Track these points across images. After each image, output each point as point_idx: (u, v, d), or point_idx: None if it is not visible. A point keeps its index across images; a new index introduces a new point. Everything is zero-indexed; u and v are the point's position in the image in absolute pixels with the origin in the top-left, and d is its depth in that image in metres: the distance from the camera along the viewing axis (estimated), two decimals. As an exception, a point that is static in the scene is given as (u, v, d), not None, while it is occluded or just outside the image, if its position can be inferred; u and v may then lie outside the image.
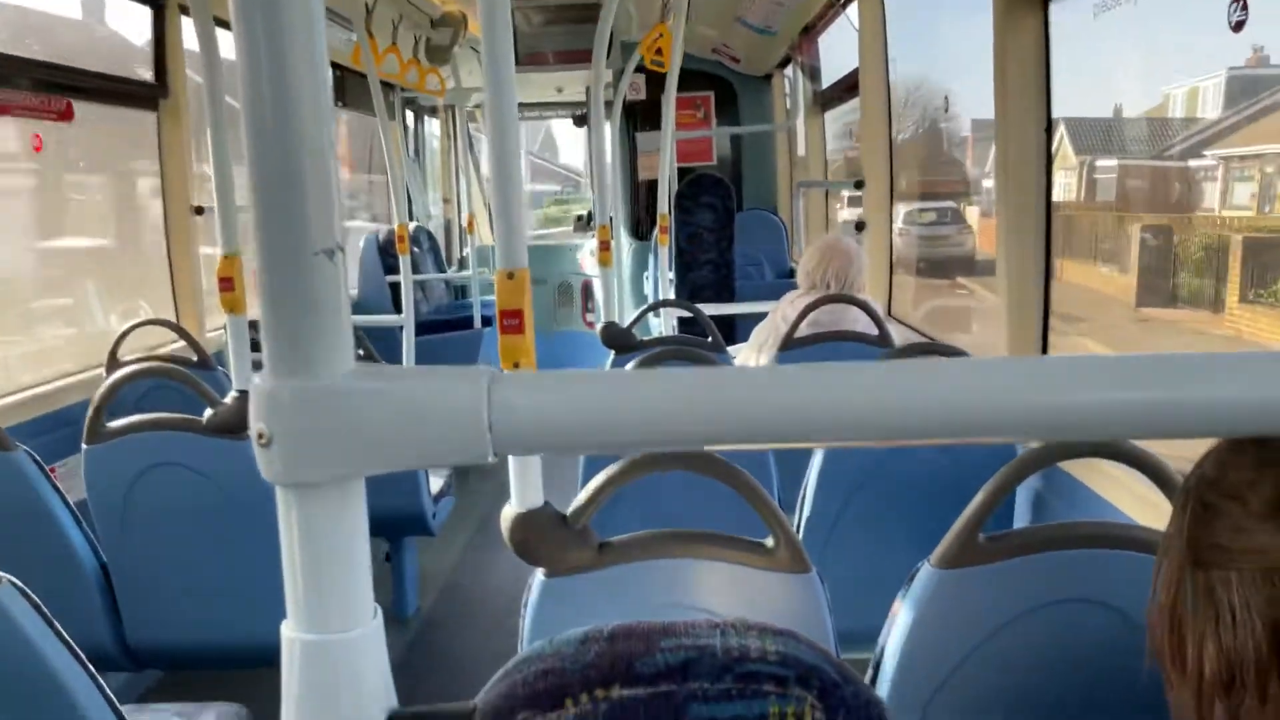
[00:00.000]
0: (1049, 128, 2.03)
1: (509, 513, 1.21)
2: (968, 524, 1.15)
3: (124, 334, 2.95)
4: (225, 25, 2.79)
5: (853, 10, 3.71)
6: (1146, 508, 1.56)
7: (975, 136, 4.02)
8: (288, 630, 0.45)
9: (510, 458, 1.21)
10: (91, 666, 1.24)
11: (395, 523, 3.00)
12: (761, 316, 3.09)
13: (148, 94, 3.36)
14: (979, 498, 1.16)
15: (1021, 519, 2.03)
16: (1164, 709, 1.19)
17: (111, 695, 1.27)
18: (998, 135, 2.14)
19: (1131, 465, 1.19)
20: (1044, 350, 2.23)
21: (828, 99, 5.07)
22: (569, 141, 14.93)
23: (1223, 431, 0.42)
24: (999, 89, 2.10)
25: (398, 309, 4.41)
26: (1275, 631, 0.62)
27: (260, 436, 0.43)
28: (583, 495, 1.19)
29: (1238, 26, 1.30)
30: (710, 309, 3.30)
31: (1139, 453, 1.19)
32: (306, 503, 0.44)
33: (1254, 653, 0.62)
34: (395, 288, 4.73)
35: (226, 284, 2.25)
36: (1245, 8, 1.28)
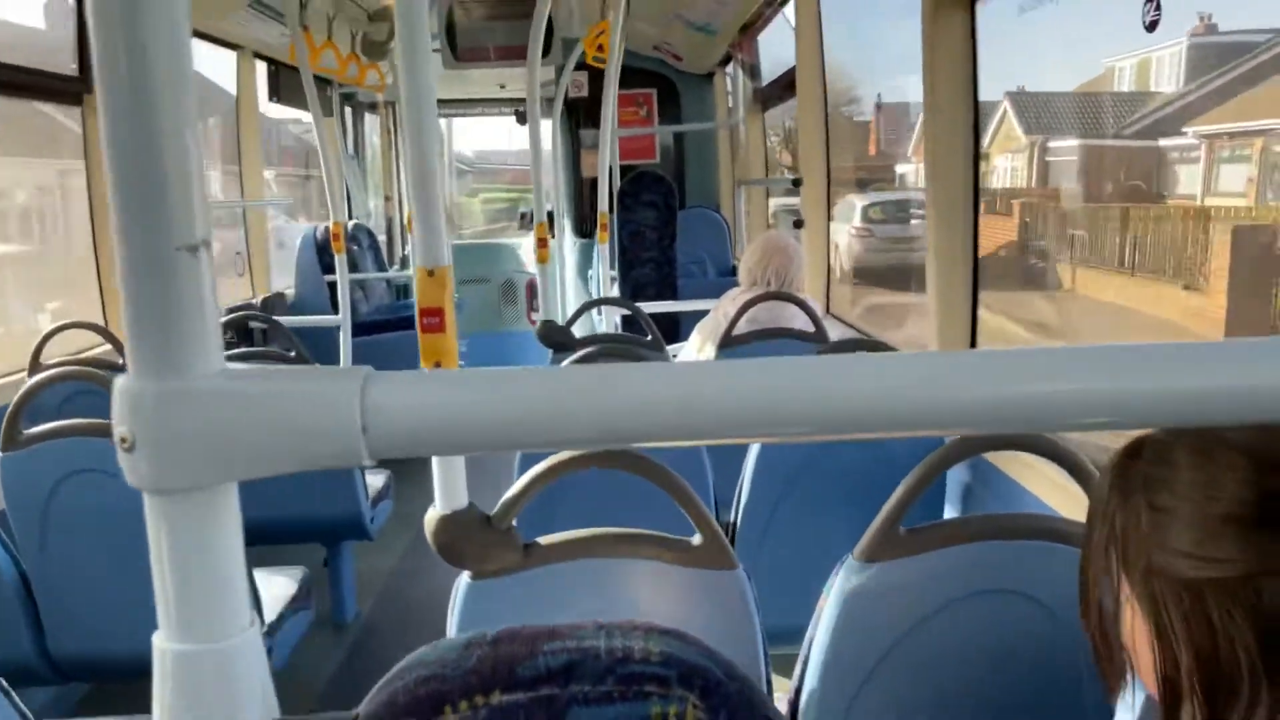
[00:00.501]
0: (976, 125, 2.06)
1: (433, 515, 1.20)
2: (888, 517, 1.16)
3: (47, 337, 2.86)
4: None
5: (790, 9, 3.73)
6: (1068, 498, 1.59)
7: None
8: (158, 641, 0.44)
9: (434, 459, 1.20)
10: (4, 681, 1.20)
11: (332, 528, 2.95)
12: (704, 314, 3.10)
13: (71, 88, 3.26)
14: (899, 491, 1.17)
15: (952, 512, 2.06)
16: (1083, 697, 1.22)
17: (26, 711, 1.22)
18: (926, 133, 2.17)
19: (1048, 458, 1.21)
20: (973, 344, 2.27)
21: (768, 97, 5.10)
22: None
23: (1157, 422, 0.42)
24: (928, 85, 2.13)
25: (335, 309, 4.34)
26: (1263, 640, 0.60)
27: (123, 441, 0.41)
28: (507, 496, 1.18)
29: (1151, 26, 1.34)
30: (652, 307, 3.30)
31: (1054, 446, 1.21)
32: (174, 510, 0.42)
33: (1245, 662, 0.60)
34: (334, 287, 4.66)
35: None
36: (1159, 8, 1.31)
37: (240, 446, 0.41)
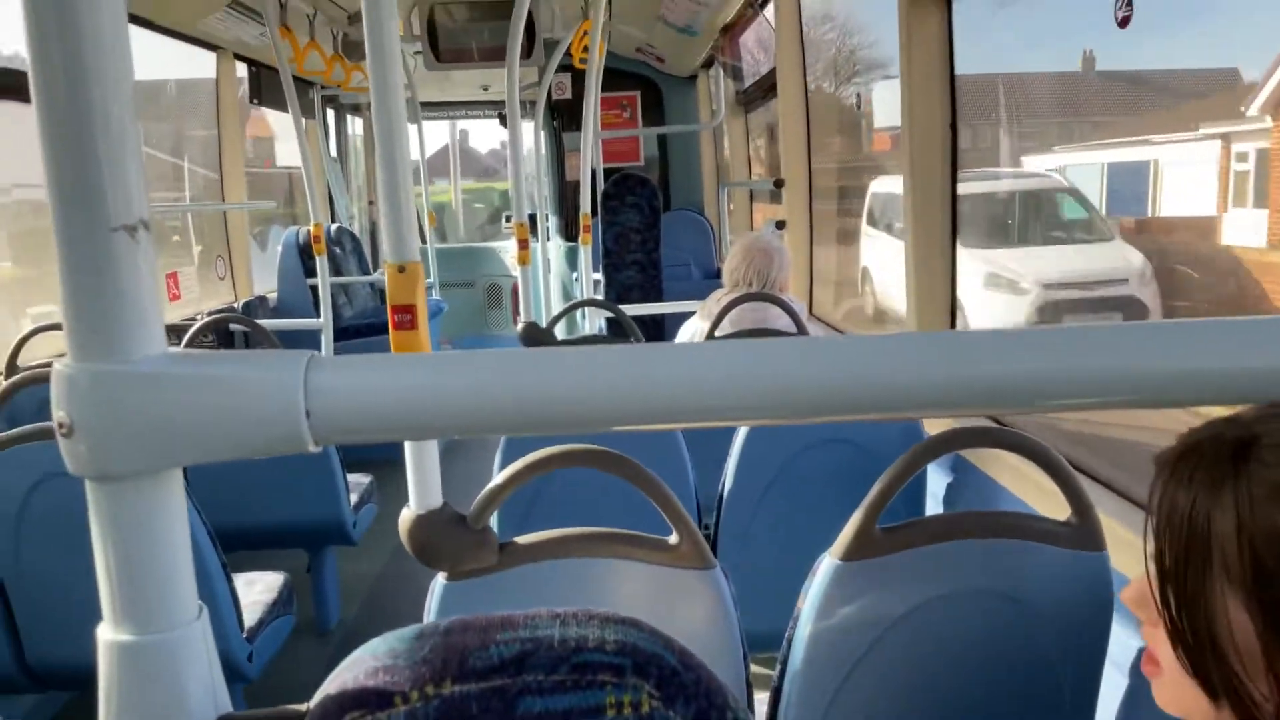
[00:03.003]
0: (954, 121, 2.06)
1: (407, 515, 1.19)
2: (865, 516, 1.15)
3: (23, 340, 2.83)
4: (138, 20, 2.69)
5: (770, 11, 3.74)
6: (1045, 496, 1.59)
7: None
8: (102, 633, 0.43)
9: (407, 458, 1.19)
10: None
11: (315, 533, 2.93)
12: (689, 316, 3.09)
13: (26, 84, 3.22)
14: (875, 489, 1.16)
15: (932, 511, 2.06)
16: (1062, 693, 1.21)
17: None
18: (903, 128, 2.17)
19: (1023, 454, 1.21)
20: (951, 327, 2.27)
21: (750, 99, 5.11)
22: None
23: (1148, 403, 0.41)
24: (905, 74, 2.14)
25: (319, 313, 4.32)
26: None
27: (61, 426, 0.40)
28: (482, 495, 1.17)
29: (1124, 22, 1.34)
30: (636, 309, 3.29)
31: (1028, 442, 1.21)
32: (116, 497, 0.41)
33: None
34: (316, 290, 4.64)
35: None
36: (1130, 4, 1.31)
37: (182, 431, 0.40)
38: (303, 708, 0.44)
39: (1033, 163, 4.61)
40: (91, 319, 0.40)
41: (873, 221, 5.82)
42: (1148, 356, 0.41)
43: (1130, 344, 0.41)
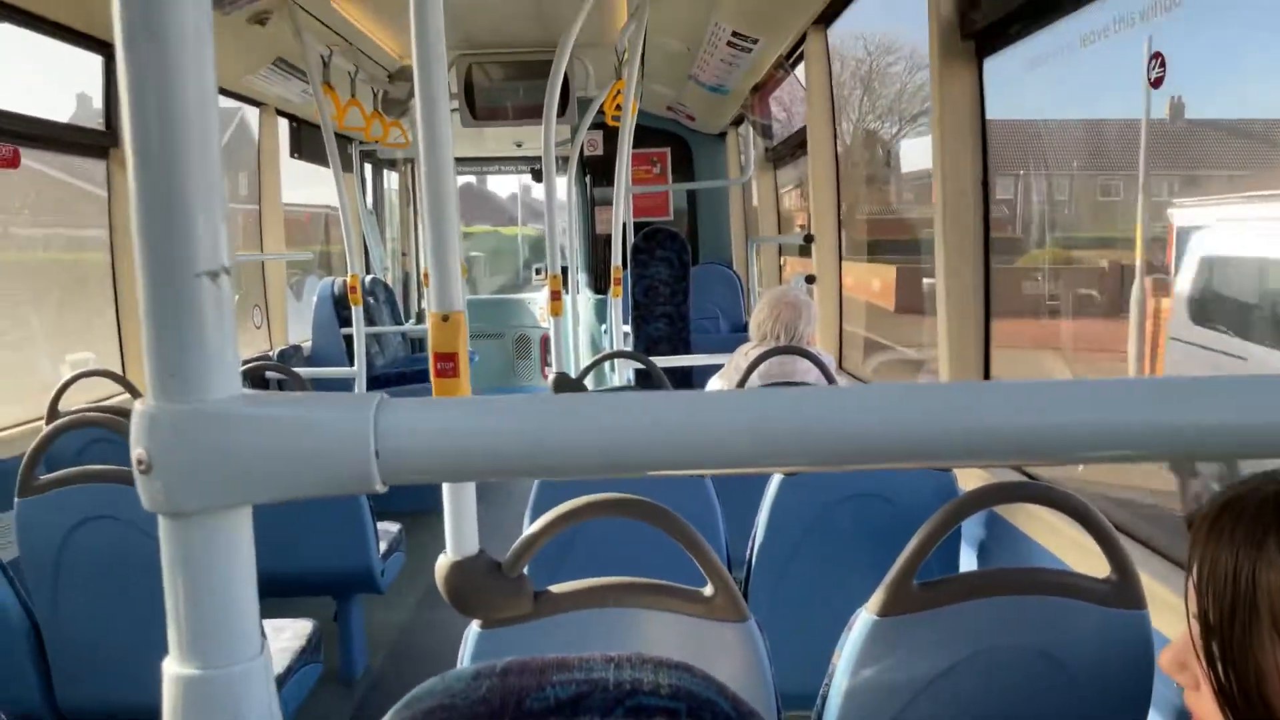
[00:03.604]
0: (985, 163, 2.08)
1: (444, 562, 1.19)
2: (901, 571, 1.15)
3: (65, 385, 2.88)
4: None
5: (801, 71, 3.80)
6: (1081, 553, 1.57)
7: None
8: (168, 666, 0.44)
9: (445, 505, 1.20)
10: None
11: (342, 581, 2.93)
12: (717, 369, 3.10)
13: (98, 142, 3.33)
14: (912, 544, 1.16)
15: (966, 567, 2.04)
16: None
17: None
18: (935, 175, 2.20)
19: (1062, 511, 1.20)
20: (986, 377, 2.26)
21: (779, 156, 5.17)
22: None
23: (1173, 455, 0.42)
24: (936, 126, 2.17)
25: (352, 361, 4.37)
26: None
27: (140, 463, 0.42)
28: (518, 543, 1.17)
29: (1156, 83, 1.35)
30: (665, 361, 3.31)
31: (1068, 499, 1.20)
32: (188, 532, 0.43)
33: None
34: (350, 340, 4.70)
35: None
36: (1163, 64, 1.33)
37: (255, 470, 0.42)
38: None
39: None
40: (173, 360, 0.41)
41: (1202, 315, 3.05)
42: (1188, 410, 0.41)
43: (1172, 398, 0.42)
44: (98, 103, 3.38)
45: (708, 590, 1.19)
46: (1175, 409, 0.41)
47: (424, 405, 0.42)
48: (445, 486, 1.15)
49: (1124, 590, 1.17)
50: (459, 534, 1.18)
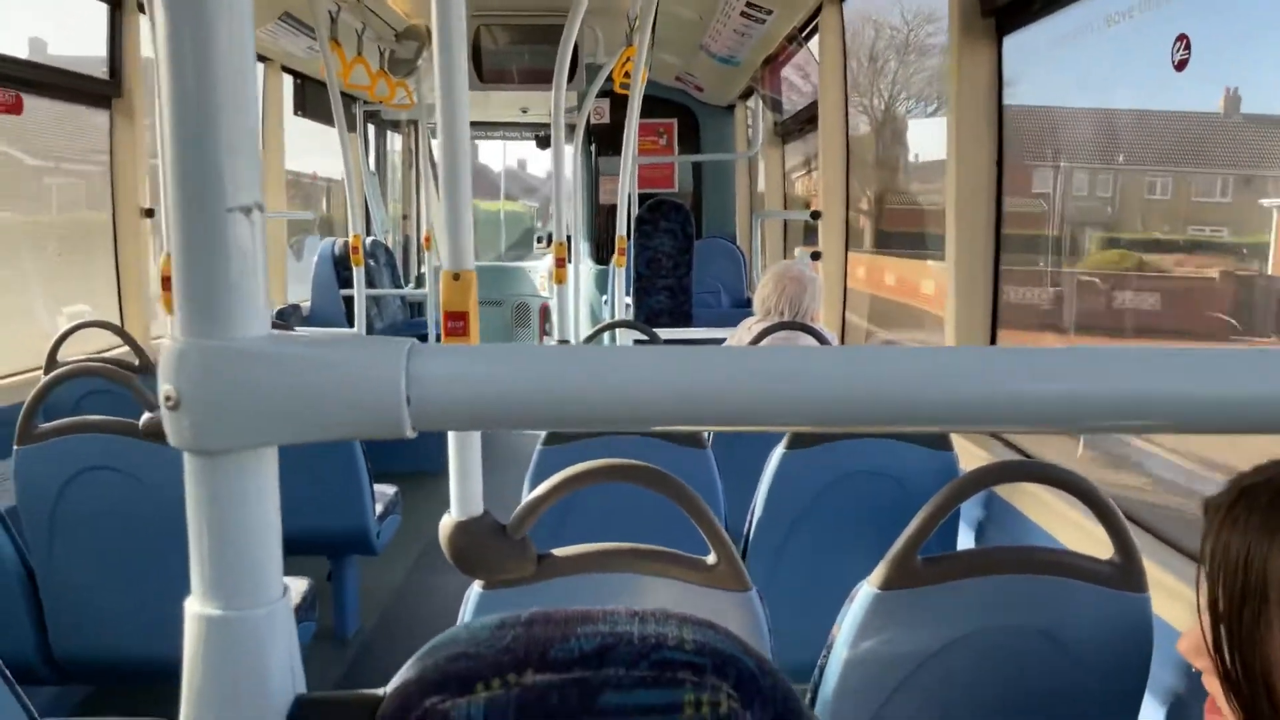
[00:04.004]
0: (1000, 153, 2.07)
1: (448, 521, 1.19)
2: (906, 546, 1.15)
3: (64, 335, 2.87)
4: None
5: (815, 43, 3.77)
6: (1080, 533, 1.58)
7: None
8: (190, 606, 0.43)
9: (451, 464, 1.19)
10: (7, 671, 1.19)
11: (338, 541, 2.93)
12: (718, 342, 3.10)
13: (101, 91, 3.30)
14: (916, 520, 1.16)
15: (965, 545, 2.04)
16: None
17: (33, 710, 1.21)
18: (949, 153, 2.19)
19: (1068, 490, 1.20)
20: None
21: (788, 130, 5.13)
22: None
23: (1182, 429, 0.41)
24: (953, 103, 2.16)
25: (350, 322, 4.36)
26: None
27: (168, 399, 0.41)
28: (522, 505, 1.17)
29: (1180, 65, 1.34)
30: (667, 333, 3.30)
31: (1073, 478, 1.20)
32: (215, 470, 0.42)
33: None
34: (349, 301, 4.67)
35: (170, 284, 2.20)
36: (1188, 47, 1.31)
37: (284, 410, 0.41)
38: (380, 692, 0.45)
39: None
40: (203, 296, 0.41)
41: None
42: (1204, 381, 0.41)
43: (1184, 368, 0.41)
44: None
45: (711, 559, 1.19)
46: (1190, 380, 0.41)
47: (457, 352, 0.42)
48: (451, 446, 1.15)
49: (1127, 572, 1.17)
50: (464, 494, 1.17)
